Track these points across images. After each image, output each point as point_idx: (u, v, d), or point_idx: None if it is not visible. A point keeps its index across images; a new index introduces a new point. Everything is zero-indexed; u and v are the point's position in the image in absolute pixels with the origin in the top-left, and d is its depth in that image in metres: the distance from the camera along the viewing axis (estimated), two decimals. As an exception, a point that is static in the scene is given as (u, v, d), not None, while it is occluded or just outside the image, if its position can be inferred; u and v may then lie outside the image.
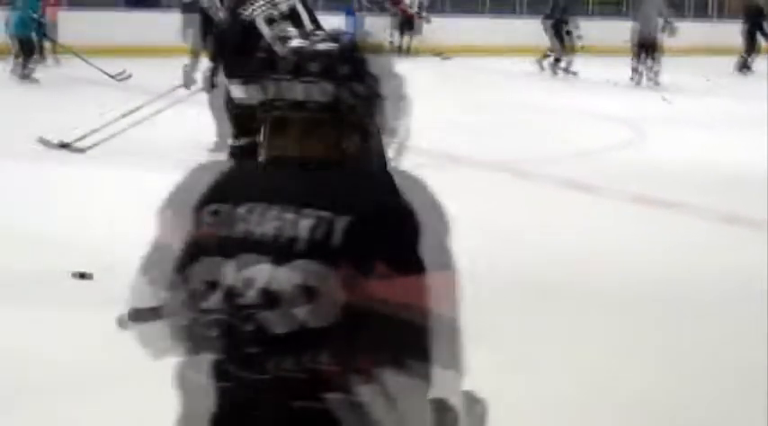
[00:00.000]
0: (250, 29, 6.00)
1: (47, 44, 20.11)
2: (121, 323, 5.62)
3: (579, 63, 20.72)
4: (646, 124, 13.80)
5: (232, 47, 6.19)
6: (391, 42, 24.72)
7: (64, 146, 10.18)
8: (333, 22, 24.15)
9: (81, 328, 5.37)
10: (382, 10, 25.87)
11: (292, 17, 6.03)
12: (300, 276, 1.98)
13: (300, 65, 2.12)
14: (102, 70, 16.62)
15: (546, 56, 21.36)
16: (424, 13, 25.09)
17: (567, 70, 20.87)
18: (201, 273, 2.09)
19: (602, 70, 20.37)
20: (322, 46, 2.15)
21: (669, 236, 7.64)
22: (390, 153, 2.19)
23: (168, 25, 20.36)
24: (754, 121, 13.27)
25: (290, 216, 2.02)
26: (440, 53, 23.60)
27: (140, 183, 8.74)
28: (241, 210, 2.06)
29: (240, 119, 6.15)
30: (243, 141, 6.13)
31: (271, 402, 2.03)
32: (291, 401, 2.01)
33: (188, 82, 9.72)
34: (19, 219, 7.54)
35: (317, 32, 2.23)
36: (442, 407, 2.05)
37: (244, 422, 2.07)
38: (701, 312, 5.82)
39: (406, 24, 25.07)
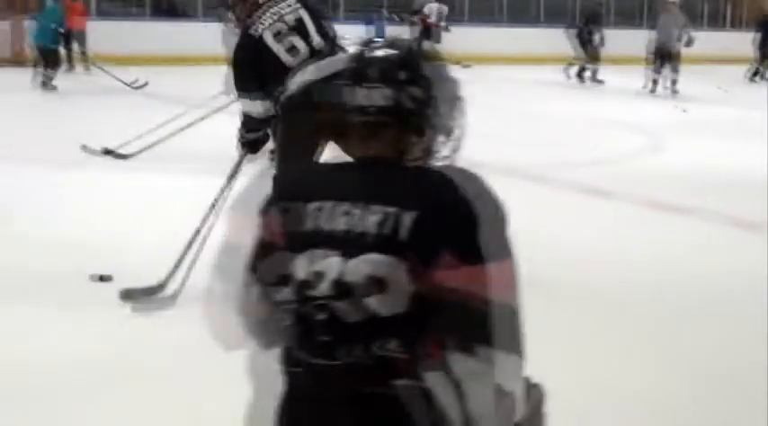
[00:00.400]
0: (260, 44, 6.13)
1: (76, 53, 20.36)
2: (124, 297, 5.77)
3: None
4: (660, 131, 13.78)
5: (242, 62, 6.29)
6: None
7: (107, 152, 10.16)
8: (354, 31, 24.20)
9: (82, 328, 5.36)
10: (403, 20, 25.95)
11: (299, 29, 6.15)
12: (371, 268, 2.08)
13: (361, 70, 2.19)
14: (117, 78, 16.86)
15: (571, 64, 21.38)
16: (443, 23, 25.13)
17: (593, 78, 20.93)
18: (273, 267, 2.18)
19: (617, 79, 20.42)
20: (381, 52, 2.23)
21: (671, 237, 7.61)
22: (447, 150, 2.26)
23: (192, 35, 20.49)
24: (764, 129, 13.13)
25: (358, 212, 2.12)
26: (459, 62, 23.59)
27: (144, 186, 8.79)
28: (311, 208, 2.16)
29: (248, 123, 6.32)
30: (252, 136, 6.36)
31: (342, 387, 2.12)
32: (361, 387, 2.10)
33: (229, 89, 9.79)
34: (34, 222, 7.59)
35: (377, 39, 2.30)
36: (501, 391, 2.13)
37: (315, 407, 2.16)
38: (702, 312, 5.77)
39: (426, 34, 25.10)
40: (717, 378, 4.81)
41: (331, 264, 2.10)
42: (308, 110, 5.93)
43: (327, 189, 2.19)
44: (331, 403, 2.13)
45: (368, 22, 25.58)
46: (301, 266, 2.13)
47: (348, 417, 2.12)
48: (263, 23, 6.14)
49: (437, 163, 2.23)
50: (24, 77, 17.62)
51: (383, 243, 2.08)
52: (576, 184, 9.44)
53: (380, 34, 24.82)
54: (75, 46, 20.75)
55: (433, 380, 2.09)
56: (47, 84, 17.00)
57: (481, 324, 2.05)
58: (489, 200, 2.14)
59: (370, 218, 2.10)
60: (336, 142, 2.26)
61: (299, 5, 6.22)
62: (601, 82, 20.79)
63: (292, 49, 6.08)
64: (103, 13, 23.53)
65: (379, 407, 2.10)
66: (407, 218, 2.07)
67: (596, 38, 20.80)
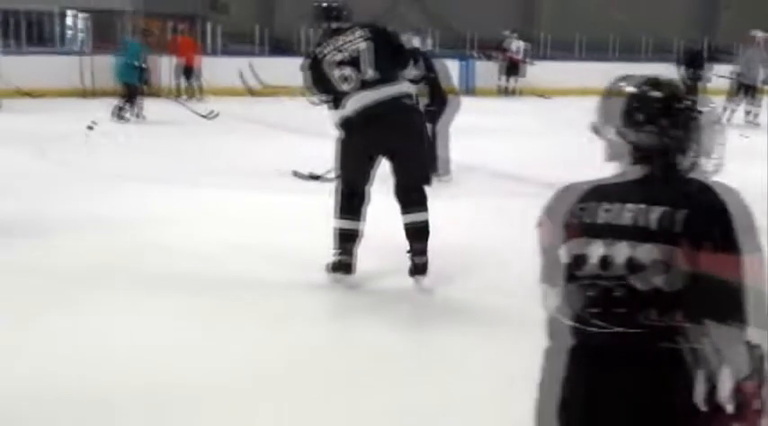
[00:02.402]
0: (321, 66, 6.47)
1: (195, 87, 21.10)
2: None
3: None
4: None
5: (307, 77, 6.60)
6: (500, 85, 24.99)
7: (314, 177, 10.03)
8: (448, 66, 24.18)
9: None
10: (489, 57, 26.06)
11: (354, 61, 6.40)
12: (656, 253, 2.43)
13: (633, 114, 2.59)
14: (193, 110, 16.83)
15: None
16: (527, 58, 25.23)
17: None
18: (573, 250, 2.55)
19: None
20: (651, 93, 2.61)
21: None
22: (710, 166, 2.63)
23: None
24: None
25: (640, 210, 2.49)
26: (541, 94, 23.68)
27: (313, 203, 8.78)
28: (603, 207, 2.55)
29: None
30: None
31: (641, 345, 2.44)
32: (658, 343, 2.43)
33: None
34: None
35: (652, 79, 2.65)
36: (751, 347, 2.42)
37: (611, 363, 2.48)
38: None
39: (512, 69, 25.21)
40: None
41: (620, 249, 2.47)
42: (364, 130, 6.26)
43: (615, 194, 2.58)
44: (626, 358, 2.45)
45: (460, 58, 25.77)
46: (595, 250, 2.50)
47: (641, 369, 2.46)
48: (326, 50, 6.45)
49: (702, 175, 2.59)
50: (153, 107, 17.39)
51: (663, 234, 2.44)
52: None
53: (470, 70, 25.12)
54: (188, 79, 21.39)
55: (703, 343, 2.42)
56: (119, 116, 16.74)
57: (735, 303, 2.38)
58: (742, 205, 2.48)
59: (650, 215, 2.47)
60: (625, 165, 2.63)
61: (362, 38, 6.44)
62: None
63: (345, 78, 6.34)
64: (227, 52, 24.10)
65: (667, 358, 2.43)
66: (680, 215, 2.44)
67: (698, 74, 20.35)
